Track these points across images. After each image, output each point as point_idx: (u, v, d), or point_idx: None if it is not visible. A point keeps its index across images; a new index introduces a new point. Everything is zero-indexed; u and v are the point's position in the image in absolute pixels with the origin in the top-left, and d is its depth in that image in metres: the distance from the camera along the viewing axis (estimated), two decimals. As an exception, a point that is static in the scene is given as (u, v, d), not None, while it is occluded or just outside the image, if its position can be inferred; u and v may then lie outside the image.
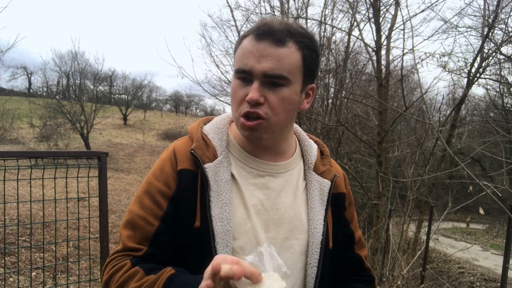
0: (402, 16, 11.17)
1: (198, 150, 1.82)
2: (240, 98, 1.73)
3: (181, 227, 1.77)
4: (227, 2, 18.05)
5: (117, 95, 64.15)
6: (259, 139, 1.79)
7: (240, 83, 1.73)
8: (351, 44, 16.01)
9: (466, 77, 12.28)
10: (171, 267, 1.63)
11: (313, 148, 2.09)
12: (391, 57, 11.86)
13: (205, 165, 1.79)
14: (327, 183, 1.98)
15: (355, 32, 14.39)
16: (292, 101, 1.75)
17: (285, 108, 1.74)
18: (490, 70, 13.39)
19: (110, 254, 1.81)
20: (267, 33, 1.67)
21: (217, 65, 14.10)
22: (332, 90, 14.68)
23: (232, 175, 1.84)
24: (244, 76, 1.71)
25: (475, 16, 14.00)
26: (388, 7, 11.30)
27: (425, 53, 10.86)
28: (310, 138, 2.19)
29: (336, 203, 2.01)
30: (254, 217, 1.79)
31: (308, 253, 1.86)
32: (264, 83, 1.68)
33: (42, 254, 8.82)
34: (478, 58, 12.00)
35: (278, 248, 1.80)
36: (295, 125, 2.13)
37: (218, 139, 1.90)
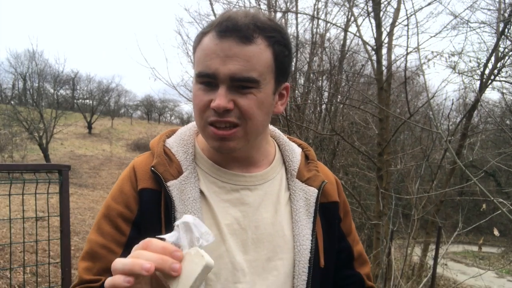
0: (406, 10, 11.28)
1: (160, 167, 1.79)
2: (203, 105, 1.69)
3: None
4: (207, -6, 18.13)
5: (80, 100, 64.33)
6: (232, 151, 1.75)
7: (203, 89, 1.69)
8: (348, 42, 16.13)
9: (478, 80, 12.29)
10: None
11: (295, 153, 2.06)
12: (393, 57, 11.91)
13: (168, 183, 1.76)
14: (313, 192, 1.94)
15: (352, 28, 14.51)
16: (265, 105, 1.73)
17: (257, 113, 1.70)
18: (506, 72, 13.39)
19: None
20: (231, 29, 1.63)
21: (194, 66, 14.08)
22: (326, 94, 14.72)
23: (201, 192, 1.82)
24: (207, 80, 1.66)
25: (489, 10, 14.03)
26: (389, -1, 11.35)
27: (432, 52, 10.91)
28: (293, 141, 2.16)
29: (327, 213, 1.97)
30: (229, 238, 1.76)
31: (294, 274, 1.82)
32: (232, 87, 1.64)
33: (-7, 282, 8.76)
34: (493, 58, 12.03)
35: (260, 271, 1.78)
36: (274, 128, 2.11)
37: (183, 152, 1.88)
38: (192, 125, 2.02)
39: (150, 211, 1.77)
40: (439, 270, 10.37)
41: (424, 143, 14.29)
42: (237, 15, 1.67)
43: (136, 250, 1.30)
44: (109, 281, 1.26)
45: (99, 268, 1.72)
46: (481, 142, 14.29)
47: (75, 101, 62.20)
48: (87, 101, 64.55)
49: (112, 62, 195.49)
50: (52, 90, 50.24)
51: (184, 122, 65.46)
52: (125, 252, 1.71)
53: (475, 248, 17.55)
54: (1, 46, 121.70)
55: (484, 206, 7.80)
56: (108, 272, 1.63)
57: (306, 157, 2.09)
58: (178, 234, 1.30)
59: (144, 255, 1.25)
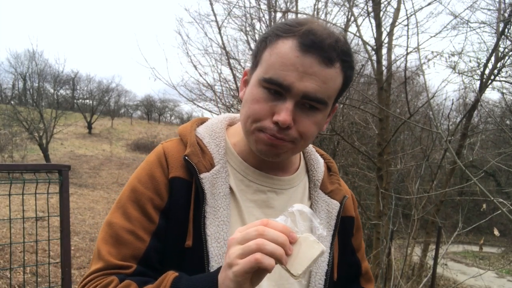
0: (406, 10, 11.24)
1: (194, 157, 1.76)
2: (264, 112, 1.65)
3: (169, 245, 1.71)
4: (207, -6, 18.06)
5: (80, 100, 64.25)
6: (276, 157, 1.74)
7: (267, 95, 1.65)
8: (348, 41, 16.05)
9: (478, 80, 12.18)
10: (173, 271, 1.58)
11: (319, 163, 2.06)
12: (393, 57, 11.84)
13: (202, 175, 1.73)
14: (335, 205, 1.95)
15: (352, 28, 14.41)
16: (320, 125, 1.74)
17: (313, 133, 1.71)
18: (506, 72, 13.32)
19: (85, 275, 1.70)
20: (317, 46, 1.59)
21: (194, 66, 14.02)
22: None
23: (230, 189, 1.80)
24: (275, 88, 1.62)
25: (489, 10, 13.95)
26: (390, -1, 11.32)
27: (432, 52, 10.88)
28: (316, 150, 2.15)
29: (344, 228, 1.98)
30: None
31: (310, 285, 1.82)
32: (299, 104, 1.63)
33: (-7, 282, 8.74)
34: (493, 58, 11.95)
35: (277, 278, 1.76)
36: None
37: (215, 145, 1.85)
38: (223, 117, 2.01)
39: (180, 201, 1.73)
40: (439, 270, 10.37)
41: (424, 143, 14.23)
42: (320, 31, 1.62)
43: (257, 226, 1.36)
44: (250, 260, 1.31)
45: (124, 254, 1.66)
46: (481, 142, 14.25)
47: (75, 101, 62.13)
48: (87, 101, 64.55)
49: (112, 62, 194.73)
50: (52, 90, 50.24)
51: (184, 122, 65.15)
52: (153, 241, 1.70)
53: (475, 248, 17.53)
54: (1, 46, 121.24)
55: (484, 206, 7.78)
56: (134, 258, 1.66)
57: (329, 168, 2.10)
58: (287, 219, 1.43)
59: (270, 232, 1.33)
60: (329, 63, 1.60)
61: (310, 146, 2.09)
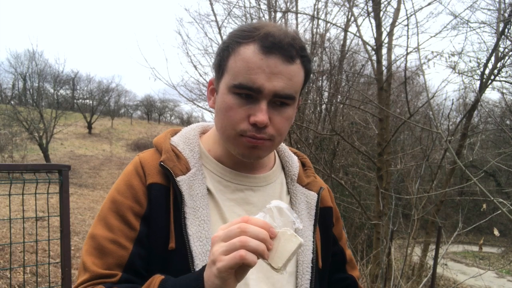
0: (406, 10, 11.24)
1: (169, 162, 1.80)
2: (240, 117, 1.72)
3: (153, 250, 1.74)
4: (207, -6, 18.05)
5: (80, 100, 64.12)
6: (257, 159, 1.83)
7: (239, 100, 1.71)
8: (348, 42, 16.07)
9: (478, 80, 12.15)
10: (159, 274, 1.62)
11: (293, 160, 2.14)
12: (393, 57, 11.87)
13: (178, 178, 1.77)
14: (313, 196, 2.02)
15: (352, 28, 14.48)
16: (291, 120, 1.82)
17: (287, 128, 1.79)
18: (506, 72, 13.29)
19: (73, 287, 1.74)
20: (277, 47, 1.68)
21: (194, 66, 14.09)
22: (326, 94, 14.69)
23: (208, 190, 1.84)
24: (247, 93, 1.69)
25: (489, 10, 13.93)
26: (390, -1, 11.32)
27: (432, 52, 10.89)
28: (290, 149, 2.23)
29: (323, 218, 2.05)
30: None
31: (298, 274, 1.87)
32: (270, 103, 1.70)
33: (-7, 282, 8.72)
34: (493, 58, 11.91)
35: (264, 271, 1.79)
36: None
37: (189, 150, 1.91)
38: (196, 126, 2.08)
39: (159, 206, 1.77)
40: (439, 270, 10.37)
41: (424, 143, 14.24)
42: (277, 32, 1.71)
43: (239, 223, 1.41)
44: (235, 256, 1.36)
45: (109, 263, 1.69)
46: (481, 142, 14.27)
47: (75, 101, 61.98)
48: (87, 101, 64.44)
49: (112, 62, 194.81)
50: (52, 90, 50.06)
51: (184, 122, 65.24)
52: (136, 247, 1.73)
53: (475, 248, 17.54)
54: (1, 46, 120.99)
55: (484, 206, 7.77)
56: (119, 266, 1.69)
57: (303, 164, 2.19)
58: (266, 215, 1.49)
59: (251, 229, 1.39)
60: (291, 60, 1.69)
61: (283, 145, 2.18)
